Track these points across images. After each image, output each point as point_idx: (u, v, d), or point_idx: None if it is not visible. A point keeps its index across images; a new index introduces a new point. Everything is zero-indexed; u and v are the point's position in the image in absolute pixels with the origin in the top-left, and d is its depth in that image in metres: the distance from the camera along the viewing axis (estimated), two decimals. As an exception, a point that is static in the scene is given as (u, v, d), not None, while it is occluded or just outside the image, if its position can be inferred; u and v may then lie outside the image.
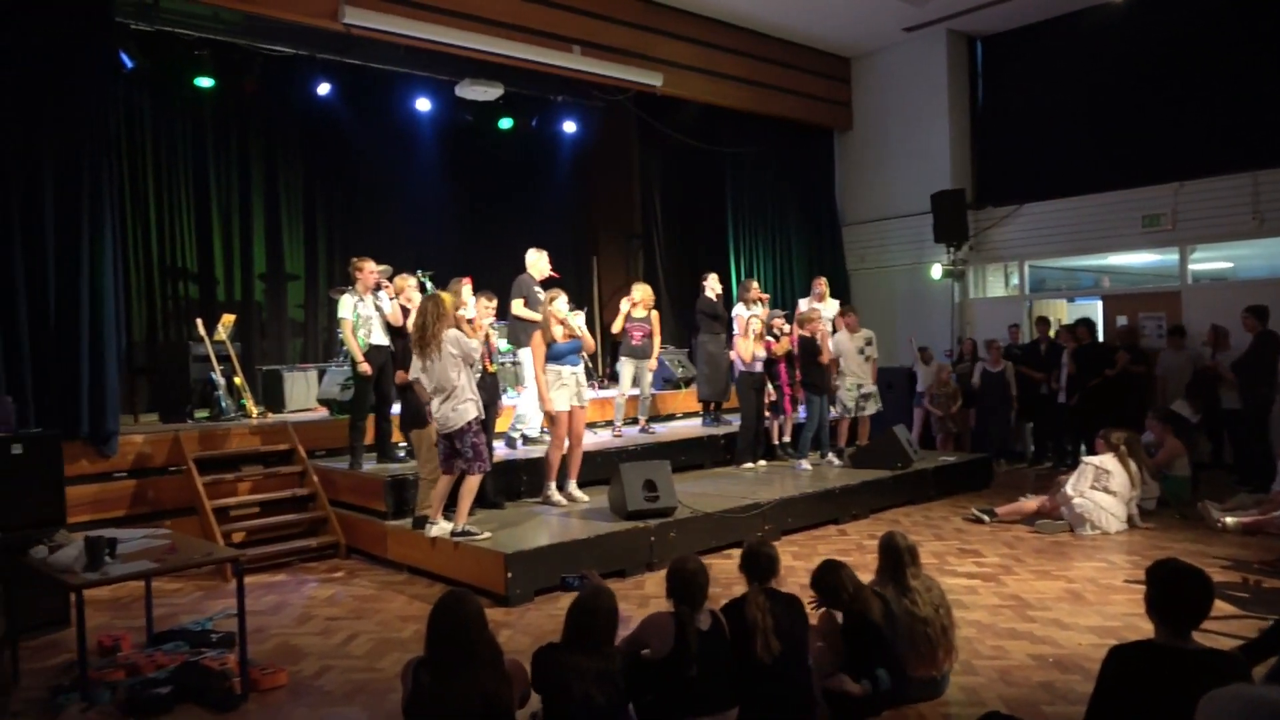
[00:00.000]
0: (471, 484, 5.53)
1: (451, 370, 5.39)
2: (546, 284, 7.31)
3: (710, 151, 11.66)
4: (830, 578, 3.76)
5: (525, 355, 7.40)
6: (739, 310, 8.83)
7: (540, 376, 6.34)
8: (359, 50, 9.12)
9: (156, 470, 6.64)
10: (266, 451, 7.03)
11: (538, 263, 7.63)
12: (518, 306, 7.47)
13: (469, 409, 5.41)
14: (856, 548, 6.23)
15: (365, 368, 6.58)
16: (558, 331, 6.36)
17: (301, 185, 10.16)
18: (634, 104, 10.81)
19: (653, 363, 8.25)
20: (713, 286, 8.64)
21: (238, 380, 7.90)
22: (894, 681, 3.64)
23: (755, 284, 8.81)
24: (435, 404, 5.45)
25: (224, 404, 7.65)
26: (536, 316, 7.18)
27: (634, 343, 8.15)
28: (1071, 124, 10.69)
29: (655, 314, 8.24)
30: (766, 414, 8.40)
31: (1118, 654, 2.59)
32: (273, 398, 8.39)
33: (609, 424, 8.59)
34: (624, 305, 8.13)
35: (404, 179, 10.93)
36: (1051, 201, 10.80)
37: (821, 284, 9.25)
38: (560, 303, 6.43)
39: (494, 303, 6.27)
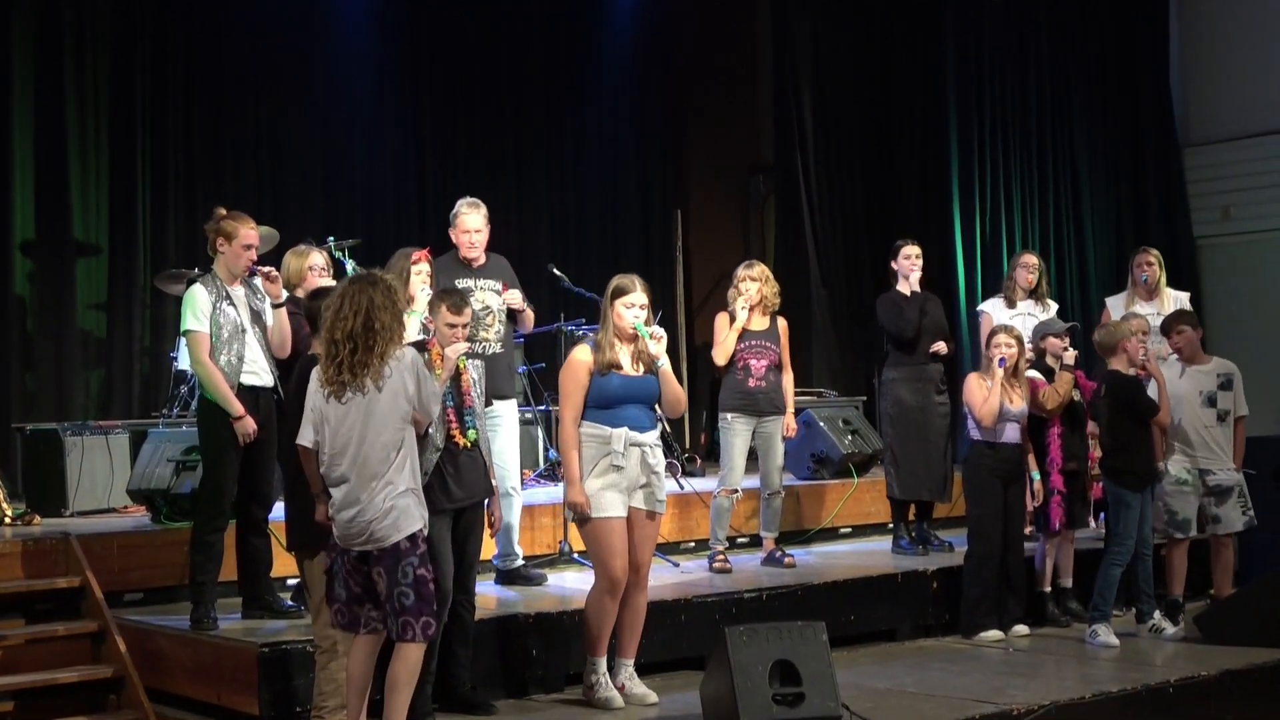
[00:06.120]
0: (409, 662, 5.59)
1: (393, 424, 5.50)
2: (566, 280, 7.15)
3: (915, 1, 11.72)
4: None
5: (506, 412, 7.58)
6: (989, 309, 8.94)
7: (570, 444, 6.39)
8: None
9: None
10: (29, 592, 7.16)
11: (465, 221, 7.60)
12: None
13: (411, 511, 5.51)
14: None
15: (248, 425, 6.77)
16: (621, 356, 6.38)
17: (109, 79, 10.46)
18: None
19: (790, 422, 8.39)
20: (905, 268, 8.73)
21: (-23, 452, 8.17)
22: None
23: (1033, 259, 9.03)
24: (343, 490, 5.52)
25: (-49, 498, 7.89)
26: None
27: (750, 383, 8.26)
28: None
29: (783, 323, 8.40)
30: (1027, 530, 8.41)
31: None
32: (44, 486, 8.59)
33: (707, 546, 8.64)
34: (737, 306, 8.22)
35: (303, 70, 11.21)
36: None
37: (1150, 263, 9.29)
38: (632, 302, 6.34)
39: (464, 317, 6.27)
